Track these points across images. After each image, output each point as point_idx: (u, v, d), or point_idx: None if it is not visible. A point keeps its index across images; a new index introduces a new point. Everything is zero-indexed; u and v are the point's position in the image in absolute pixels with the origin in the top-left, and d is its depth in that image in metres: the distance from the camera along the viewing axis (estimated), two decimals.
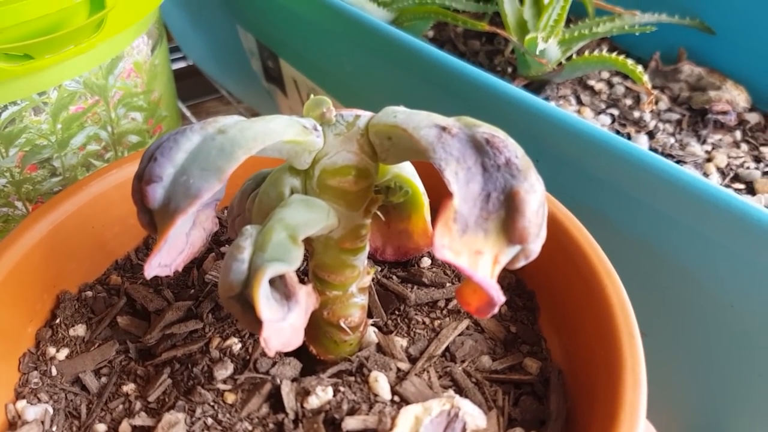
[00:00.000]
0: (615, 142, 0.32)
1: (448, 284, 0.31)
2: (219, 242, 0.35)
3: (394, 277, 0.32)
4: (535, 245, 0.20)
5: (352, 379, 0.26)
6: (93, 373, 0.28)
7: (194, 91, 0.80)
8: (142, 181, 0.22)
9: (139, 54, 0.45)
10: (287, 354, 0.27)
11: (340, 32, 0.46)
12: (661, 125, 0.46)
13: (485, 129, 0.21)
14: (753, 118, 0.47)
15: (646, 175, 0.31)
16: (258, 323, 0.20)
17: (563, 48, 0.47)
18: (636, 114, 0.46)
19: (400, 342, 0.28)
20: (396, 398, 0.25)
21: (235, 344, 0.28)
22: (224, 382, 0.26)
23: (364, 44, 0.45)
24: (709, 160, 0.43)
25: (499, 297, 0.19)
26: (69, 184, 0.44)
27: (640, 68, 0.41)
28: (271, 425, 0.24)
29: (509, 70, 0.51)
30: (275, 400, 0.25)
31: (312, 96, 0.24)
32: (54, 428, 0.26)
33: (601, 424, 0.22)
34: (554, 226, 0.28)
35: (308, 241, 0.26)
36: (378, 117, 0.23)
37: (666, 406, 0.37)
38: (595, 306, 0.26)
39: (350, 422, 0.23)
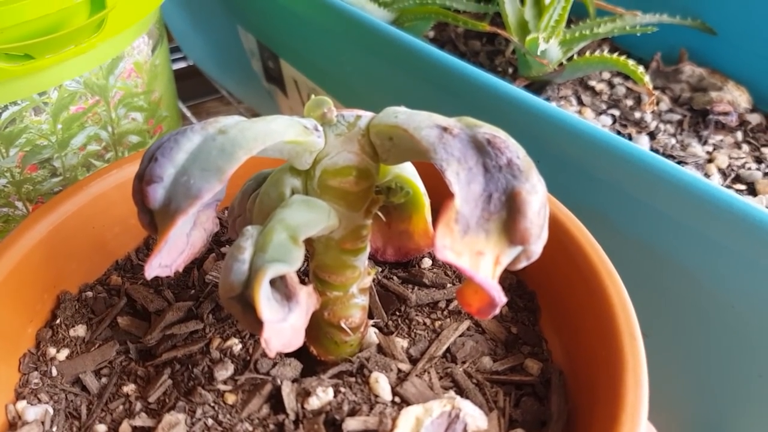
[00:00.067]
0: (616, 142, 0.32)
1: (448, 285, 0.31)
2: (220, 243, 0.34)
3: (394, 277, 0.32)
4: (537, 246, 0.20)
5: (353, 379, 0.26)
6: (93, 373, 0.28)
7: (195, 91, 0.80)
8: (142, 181, 0.21)
9: (139, 54, 0.45)
10: (288, 355, 0.27)
11: (341, 32, 0.46)
12: (662, 126, 0.46)
13: (486, 129, 0.21)
14: (754, 118, 0.47)
15: (648, 176, 0.31)
16: (259, 324, 0.20)
17: (564, 48, 0.47)
18: (637, 115, 0.46)
19: (401, 343, 0.28)
20: (397, 399, 0.25)
21: (235, 345, 0.28)
22: (225, 382, 0.26)
23: (365, 45, 0.45)
24: (710, 160, 0.43)
25: (501, 298, 0.19)
26: (69, 184, 0.44)
27: (641, 69, 0.41)
28: (271, 426, 0.24)
29: (510, 70, 0.51)
30: (276, 401, 0.25)
31: (313, 96, 0.24)
32: (54, 429, 0.26)
33: (602, 425, 0.22)
34: (555, 226, 0.28)
35: (309, 242, 0.26)
36: (379, 117, 0.23)
37: (666, 406, 0.37)
38: (596, 307, 0.26)
39: (351, 423, 0.23)
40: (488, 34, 0.55)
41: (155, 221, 0.22)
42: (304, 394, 0.25)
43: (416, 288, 0.31)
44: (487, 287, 0.19)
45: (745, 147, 0.44)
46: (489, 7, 0.52)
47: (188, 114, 0.76)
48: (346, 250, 0.25)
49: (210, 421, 0.25)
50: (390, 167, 0.27)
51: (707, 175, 0.41)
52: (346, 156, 0.24)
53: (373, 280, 0.31)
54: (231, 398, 0.25)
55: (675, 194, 0.31)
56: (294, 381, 0.26)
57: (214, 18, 0.65)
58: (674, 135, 0.45)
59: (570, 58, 0.47)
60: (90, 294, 0.32)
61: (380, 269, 0.32)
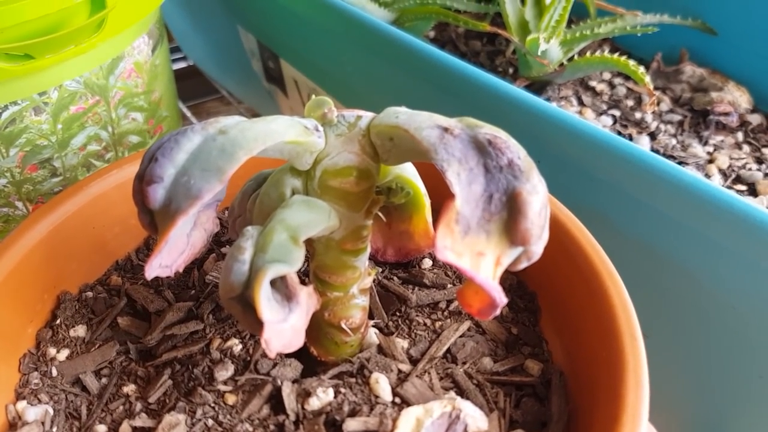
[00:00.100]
0: (617, 143, 0.32)
1: (449, 285, 0.31)
2: (220, 243, 0.34)
3: (395, 278, 0.32)
4: (538, 247, 0.20)
5: (353, 380, 0.26)
6: (93, 373, 0.28)
7: (195, 91, 0.80)
8: (143, 181, 0.21)
9: (139, 54, 0.45)
10: (288, 355, 0.27)
11: (341, 33, 0.46)
12: (662, 126, 0.46)
13: (487, 130, 0.21)
14: (755, 119, 0.46)
15: (648, 177, 0.31)
16: (259, 324, 0.20)
17: (565, 49, 0.47)
18: (638, 115, 0.46)
19: (401, 343, 0.28)
20: (397, 400, 0.25)
21: (235, 345, 0.28)
22: (225, 383, 0.26)
23: (365, 45, 0.45)
24: (710, 161, 0.42)
25: (501, 299, 0.19)
26: (69, 184, 0.44)
27: (641, 69, 0.41)
28: (271, 426, 0.24)
29: (510, 70, 0.51)
30: (276, 402, 0.25)
31: (313, 96, 0.24)
32: (54, 429, 0.26)
33: (603, 426, 0.22)
34: (556, 227, 0.28)
35: (309, 242, 0.26)
36: (379, 118, 0.23)
37: (667, 406, 0.37)
38: (597, 307, 0.26)
39: (351, 424, 0.23)
40: (489, 34, 0.54)
41: (155, 221, 0.22)
42: (304, 395, 0.25)
43: (417, 288, 0.31)
44: (488, 288, 0.19)
45: (746, 147, 0.44)
46: (489, 7, 0.52)
47: (188, 114, 0.76)
48: (346, 250, 0.25)
49: (210, 422, 0.25)
50: (390, 168, 0.27)
51: (708, 176, 0.41)
52: (347, 156, 0.24)
53: (374, 281, 0.31)
54: (231, 399, 0.25)
55: (676, 195, 0.31)
56: (294, 381, 0.26)
57: (214, 18, 0.65)
58: (675, 135, 0.45)
59: (570, 59, 0.47)
60: (90, 294, 0.32)
61: (381, 270, 0.32)
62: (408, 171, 0.28)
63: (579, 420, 0.25)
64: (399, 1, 0.51)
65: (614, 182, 0.34)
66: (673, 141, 0.44)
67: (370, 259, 0.29)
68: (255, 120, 0.22)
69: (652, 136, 0.45)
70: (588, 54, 0.44)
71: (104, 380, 0.28)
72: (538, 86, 0.48)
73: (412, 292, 0.31)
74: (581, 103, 0.47)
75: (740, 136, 0.45)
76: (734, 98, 0.47)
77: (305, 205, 0.23)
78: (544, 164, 0.24)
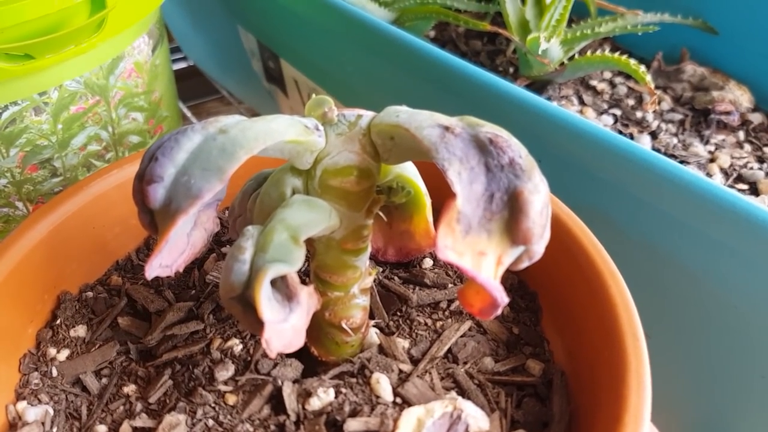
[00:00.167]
0: (618, 142, 0.32)
1: (450, 285, 0.31)
2: (220, 243, 0.34)
3: (395, 278, 0.32)
4: (539, 246, 0.20)
5: (354, 380, 0.26)
6: (94, 374, 0.28)
7: (195, 91, 0.80)
8: (143, 181, 0.21)
9: (139, 54, 0.45)
10: (288, 355, 0.27)
11: (342, 32, 0.46)
12: (663, 125, 0.45)
13: (488, 129, 0.21)
14: (756, 118, 0.46)
15: (649, 176, 0.31)
16: (259, 324, 0.20)
17: (565, 48, 0.47)
18: (639, 114, 0.46)
19: (402, 343, 0.28)
20: (398, 400, 0.25)
21: (236, 345, 0.28)
22: (225, 383, 0.26)
23: (366, 44, 0.45)
24: (712, 160, 0.42)
25: (503, 298, 0.19)
26: (70, 184, 0.44)
27: (642, 68, 0.41)
28: (272, 427, 0.24)
29: (511, 70, 0.51)
30: (276, 402, 0.25)
31: (313, 96, 0.24)
32: (54, 429, 0.26)
33: (604, 427, 0.22)
34: (557, 226, 0.28)
35: (310, 242, 0.26)
36: (380, 117, 0.23)
37: (668, 406, 0.37)
38: (599, 307, 0.26)
39: (352, 424, 0.23)
40: (489, 33, 0.54)
41: (156, 221, 0.22)
42: (305, 395, 0.25)
43: (417, 288, 0.31)
44: (489, 288, 0.19)
45: (747, 146, 0.44)
46: (490, 7, 0.52)
47: (188, 114, 0.76)
48: (347, 250, 0.25)
49: (211, 422, 0.25)
50: (391, 167, 0.27)
51: (709, 175, 0.41)
52: (347, 155, 0.23)
53: (374, 281, 0.31)
54: (232, 399, 0.25)
55: (677, 194, 0.31)
56: (295, 382, 0.26)
57: (214, 18, 0.65)
58: (676, 134, 0.45)
59: (571, 58, 0.47)
60: (90, 294, 0.32)
61: (381, 269, 0.32)
62: (409, 170, 0.28)
63: (580, 420, 0.25)
64: (399, 0, 0.51)
65: (616, 181, 0.34)
66: (675, 140, 0.44)
67: (370, 258, 0.29)
68: (255, 119, 0.22)
69: (653, 135, 0.45)
70: (589, 53, 0.44)
71: (104, 380, 0.28)
72: (538, 85, 0.47)
73: (413, 292, 0.31)
74: (582, 102, 0.47)
75: (741, 135, 0.45)
76: (735, 97, 0.47)
77: (306, 204, 0.23)
78: (545, 163, 0.24)
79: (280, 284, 0.21)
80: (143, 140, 0.48)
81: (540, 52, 0.44)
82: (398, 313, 0.30)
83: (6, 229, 0.43)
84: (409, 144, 0.22)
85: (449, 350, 0.28)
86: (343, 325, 0.26)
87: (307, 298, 0.22)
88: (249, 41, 0.61)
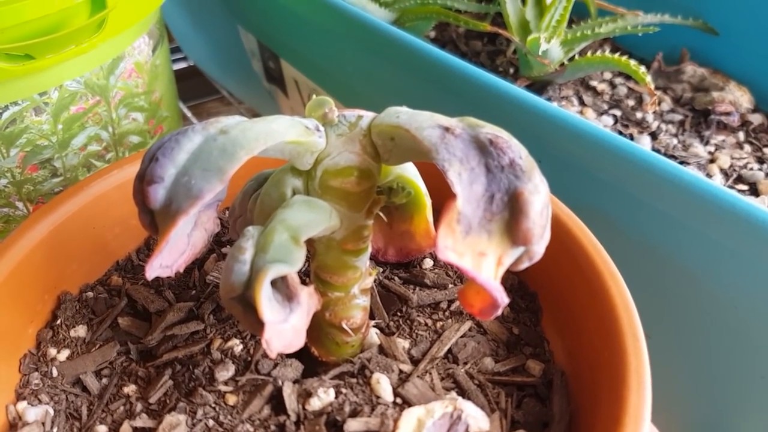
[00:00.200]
0: (618, 142, 0.32)
1: (450, 285, 0.31)
2: (220, 243, 0.34)
3: (396, 278, 0.32)
4: (539, 246, 0.20)
5: (354, 380, 0.26)
6: (94, 374, 0.28)
7: (195, 91, 0.80)
8: (143, 181, 0.21)
9: (140, 54, 0.45)
10: (289, 355, 0.27)
11: (342, 33, 0.46)
12: (663, 126, 0.46)
13: (489, 129, 0.21)
14: (756, 119, 0.46)
15: (649, 176, 0.31)
16: (260, 325, 0.20)
17: (566, 48, 0.47)
18: (639, 115, 0.46)
19: (402, 343, 0.28)
20: (398, 400, 0.25)
21: (236, 345, 0.28)
22: (225, 383, 0.26)
23: (366, 45, 0.45)
24: (712, 161, 0.42)
25: (503, 299, 0.19)
26: (70, 184, 0.44)
27: (642, 69, 0.41)
28: (272, 427, 0.24)
29: (511, 70, 0.51)
30: (277, 402, 0.25)
31: (314, 96, 0.24)
32: (55, 430, 0.26)
33: (604, 427, 0.22)
34: (557, 227, 0.28)
35: (310, 242, 0.26)
36: (380, 117, 0.23)
37: (668, 407, 0.37)
38: (599, 307, 0.26)
39: (352, 424, 0.23)
40: (489, 34, 0.54)
41: (156, 222, 0.22)
42: (305, 395, 0.25)
43: (418, 289, 0.31)
44: (490, 288, 0.19)
45: (747, 147, 0.44)
46: (490, 7, 0.52)
47: (189, 114, 0.76)
48: (347, 250, 0.25)
49: (211, 422, 0.25)
50: (391, 167, 0.27)
51: (709, 176, 0.41)
52: (348, 156, 0.23)
53: (375, 281, 0.31)
54: (232, 399, 0.25)
55: (677, 195, 0.31)
56: (295, 382, 0.26)
57: (214, 18, 0.65)
58: (676, 135, 0.45)
59: (571, 58, 0.47)
60: (90, 294, 0.32)
61: (381, 270, 0.32)
62: (409, 171, 0.28)
63: (581, 420, 0.25)
64: (399, 1, 0.51)
65: (616, 182, 0.34)
66: (675, 141, 0.44)
67: (371, 259, 0.29)
68: (256, 120, 0.22)
69: (653, 135, 0.45)
70: (589, 54, 0.44)
71: (105, 380, 0.28)
72: (538, 86, 0.47)
73: (413, 292, 0.31)
74: (582, 102, 0.47)
75: (741, 135, 0.45)
76: (735, 98, 0.47)
77: (306, 205, 0.23)
78: (545, 164, 0.24)
79: (280, 285, 0.21)
80: (143, 140, 0.48)
81: (540, 53, 0.44)
82: (398, 314, 0.30)
83: (6, 229, 0.43)
84: (410, 145, 0.22)
85: (449, 350, 0.28)
86: (344, 326, 0.26)
87: (308, 299, 0.22)
88: (249, 41, 0.61)
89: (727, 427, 0.35)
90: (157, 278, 0.31)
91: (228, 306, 0.21)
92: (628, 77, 0.50)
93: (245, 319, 0.21)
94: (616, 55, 0.42)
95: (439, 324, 0.29)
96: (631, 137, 0.44)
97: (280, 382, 0.25)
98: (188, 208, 0.20)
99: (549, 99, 0.46)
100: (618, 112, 0.47)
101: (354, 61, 0.48)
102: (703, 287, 0.32)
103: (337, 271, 0.26)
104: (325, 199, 0.24)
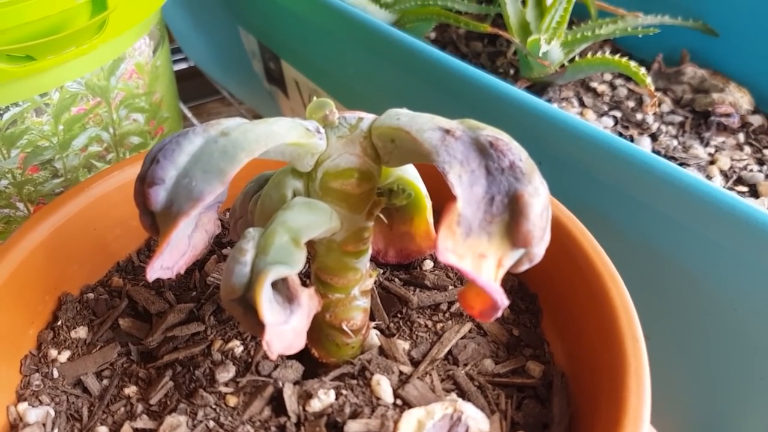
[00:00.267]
0: (618, 144, 0.32)
1: (450, 287, 0.31)
2: (221, 244, 0.34)
3: (396, 279, 0.32)
4: (539, 248, 0.20)
5: (355, 382, 0.26)
6: (94, 375, 0.28)
7: (196, 92, 0.80)
8: (144, 183, 0.21)
9: (140, 55, 0.45)
10: (289, 357, 0.27)
11: (342, 34, 0.46)
12: (663, 127, 0.46)
13: (489, 132, 0.21)
14: (756, 120, 0.46)
15: (649, 178, 0.31)
16: (260, 326, 0.20)
17: (566, 50, 0.47)
18: (639, 116, 0.46)
19: (403, 345, 0.28)
20: (398, 402, 0.25)
21: (237, 347, 0.28)
22: (226, 384, 0.26)
23: (366, 46, 0.45)
24: (712, 162, 0.42)
25: (503, 300, 0.19)
26: (71, 185, 0.44)
27: (642, 70, 0.41)
28: (273, 428, 0.24)
29: (511, 72, 0.51)
30: (277, 403, 0.25)
31: (314, 98, 0.24)
32: (55, 430, 0.26)
33: (604, 428, 0.22)
34: (557, 229, 0.28)
35: (310, 244, 0.26)
36: (381, 119, 0.23)
37: (668, 408, 0.37)
38: (599, 309, 0.26)
39: (352, 426, 0.23)
40: (490, 35, 0.54)
41: (157, 223, 0.22)
42: (305, 397, 0.25)
43: (418, 290, 0.31)
44: (490, 290, 0.19)
45: (747, 149, 0.44)
46: (490, 9, 0.52)
47: (189, 115, 0.76)
48: (347, 252, 0.25)
49: (211, 423, 0.25)
50: (392, 169, 0.27)
51: (709, 177, 0.41)
52: (348, 158, 0.24)
53: (375, 282, 0.31)
54: (232, 400, 0.25)
55: (677, 196, 0.31)
56: (295, 383, 0.26)
57: (215, 19, 0.65)
58: (676, 137, 0.45)
59: (571, 60, 0.47)
60: (91, 296, 0.32)
61: (382, 271, 0.32)
62: (409, 173, 0.28)
63: (580, 422, 0.25)
64: (400, 2, 0.51)
65: (616, 184, 0.34)
66: (675, 142, 0.44)
67: (371, 260, 0.29)
68: (256, 122, 0.22)
69: (654, 137, 0.45)
70: (589, 55, 0.44)
71: (105, 382, 0.28)
72: (539, 87, 0.48)
73: (413, 294, 0.31)
74: (582, 104, 0.47)
75: (741, 137, 0.45)
76: (735, 99, 0.47)
77: (306, 206, 0.23)
78: (545, 166, 0.24)
79: (281, 286, 0.22)
80: (144, 141, 0.48)
81: (540, 54, 0.44)
82: (399, 315, 0.30)
83: (7, 230, 0.43)
84: (410, 147, 0.22)
85: (449, 352, 0.28)
86: (344, 327, 0.26)
87: (308, 300, 0.22)
88: (250, 42, 0.61)
89: (726, 429, 0.35)
90: (158, 279, 0.31)
91: (228, 307, 0.21)
92: (628, 79, 0.50)
93: (246, 320, 0.21)
94: (617, 57, 0.42)
95: (439, 325, 0.29)
96: (631, 139, 0.44)
97: (280, 384, 0.25)
98: (189, 209, 0.20)
99: (549, 100, 0.46)
100: (618, 114, 0.47)
101: (354, 62, 0.48)
102: (702, 289, 0.32)
103: (337, 273, 0.26)
104: (325, 201, 0.24)
